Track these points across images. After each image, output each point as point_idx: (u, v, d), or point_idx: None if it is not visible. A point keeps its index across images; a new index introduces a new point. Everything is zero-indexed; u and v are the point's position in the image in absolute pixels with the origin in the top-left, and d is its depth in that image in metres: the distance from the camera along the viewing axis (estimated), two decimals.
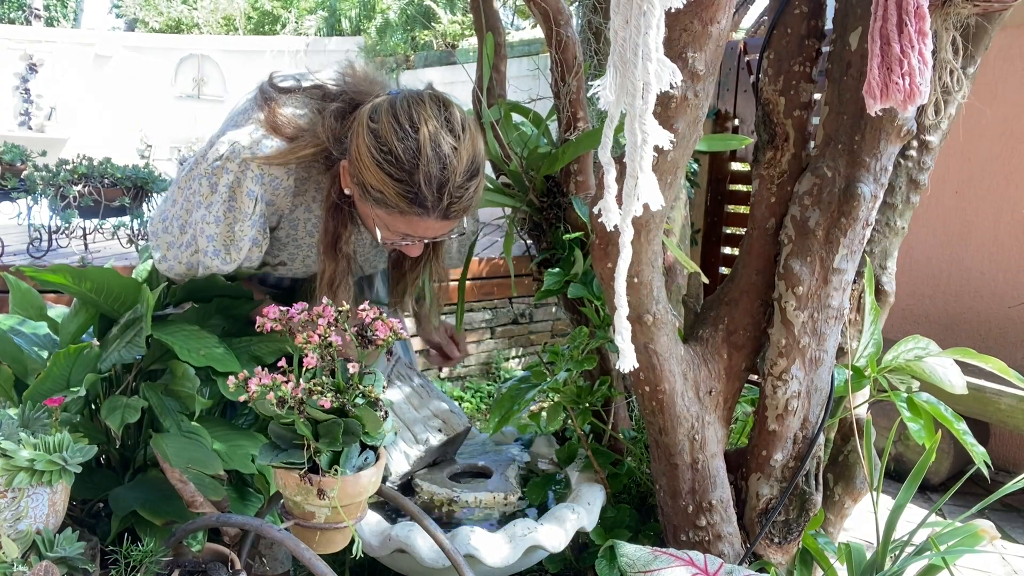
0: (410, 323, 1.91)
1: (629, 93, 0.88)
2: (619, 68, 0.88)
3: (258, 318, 1.07)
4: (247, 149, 1.32)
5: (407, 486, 1.62)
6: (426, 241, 1.38)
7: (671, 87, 0.87)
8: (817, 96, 1.40)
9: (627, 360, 1.05)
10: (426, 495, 1.55)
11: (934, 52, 1.27)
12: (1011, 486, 1.41)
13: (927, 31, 1.07)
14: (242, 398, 1.00)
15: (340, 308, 1.06)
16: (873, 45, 1.09)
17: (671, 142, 0.91)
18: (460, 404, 3.51)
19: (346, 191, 1.34)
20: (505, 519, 1.53)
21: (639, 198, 0.92)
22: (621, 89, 0.89)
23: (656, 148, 0.90)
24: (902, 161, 1.47)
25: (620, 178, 0.94)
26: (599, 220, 1.28)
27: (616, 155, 0.99)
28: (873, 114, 1.15)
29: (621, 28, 0.87)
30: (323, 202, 1.40)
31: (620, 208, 0.95)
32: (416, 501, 1.56)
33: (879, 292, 1.56)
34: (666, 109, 1.16)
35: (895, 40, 1.07)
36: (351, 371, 1.06)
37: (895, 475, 2.87)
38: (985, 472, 1.43)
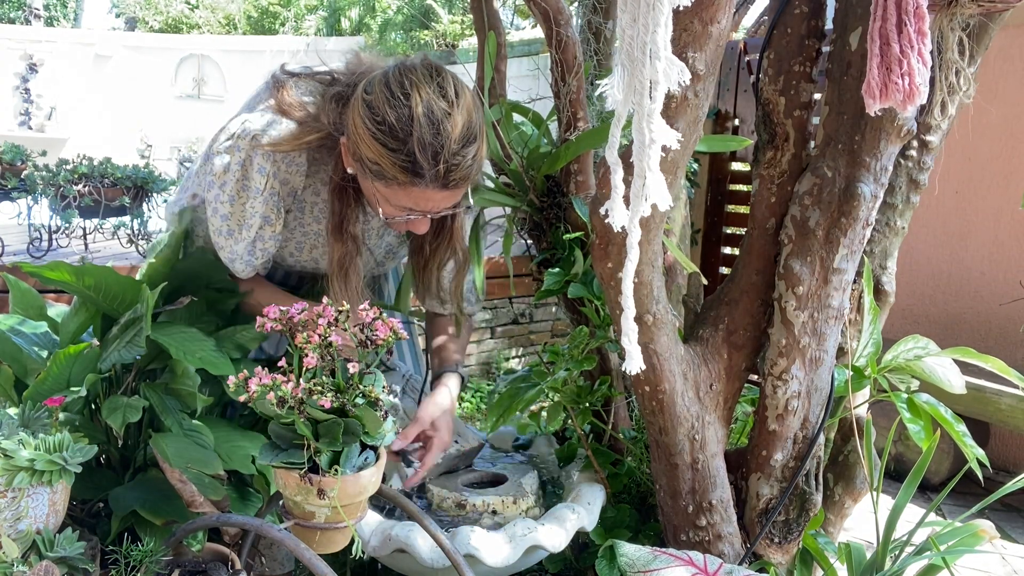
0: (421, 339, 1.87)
1: (637, 92, 0.87)
2: (627, 66, 0.88)
3: (258, 318, 1.07)
4: (258, 128, 1.33)
5: (420, 491, 1.61)
6: (432, 216, 1.36)
7: (677, 85, 0.86)
8: (817, 96, 1.40)
9: (634, 362, 1.04)
10: (436, 499, 1.54)
11: (940, 52, 1.27)
12: (1011, 486, 1.41)
13: (926, 31, 1.07)
14: (242, 398, 1.00)
15: (340, 308, 1.06)
16: (872, 45, 1.09)
17: (678, 141, 0.91)
18: (460, 404, 3.51)
19: (349, 170, 1.33)
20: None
21: (647, 198, 0.91)
22: (628, 88, 0.88)
23: (662, 148, 0.90)
24: (902, 161, 1.47)
25: (626, 178, 0.94)
26: (599, 220, 1.28)
27: (619, 154, 0.98)
28: (873, 114, 1.15)
29: (629, 26, 0.86)
30: (328, 183, 1.40)
31: (627, 208, 0.95)
32: (424, 506, 1.55)
33: (879, 292, 1.56)
34: (666, 109, 1.16)
35: (895, 40, 1.07)
36: (351, 371, 1.06)
37: (895, 475, 2.87)
38: (978, 472, 1.43)
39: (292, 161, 1.37)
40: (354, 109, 1.27)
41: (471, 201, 1.41)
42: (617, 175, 0.94)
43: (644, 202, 0.92)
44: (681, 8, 0.84)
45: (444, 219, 1.46)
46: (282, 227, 1.44)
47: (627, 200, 0.95)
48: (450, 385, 1.57)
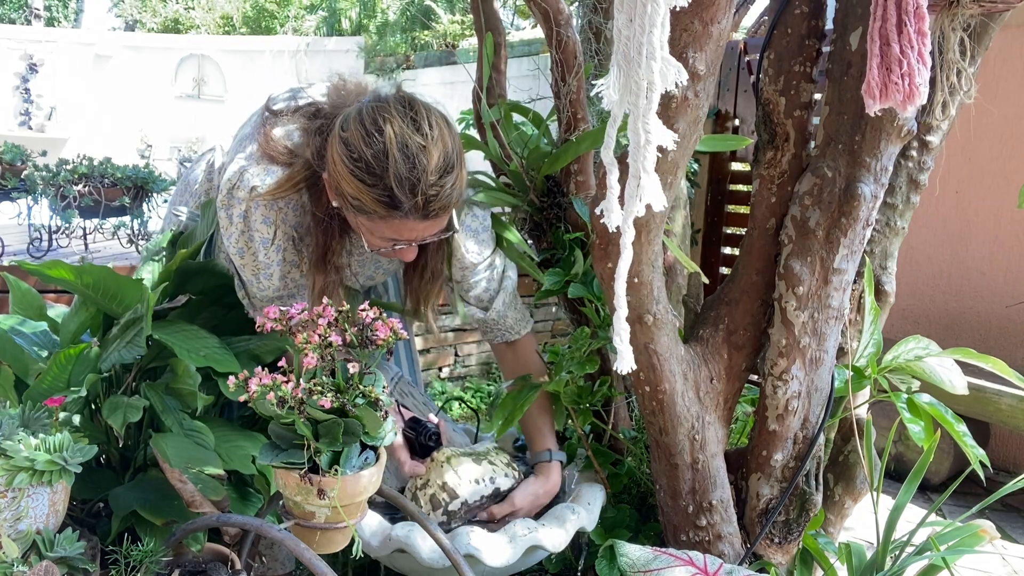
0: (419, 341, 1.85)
1: (633, 92, 0.87)
2: (623, 67, 0.88)
3: (258, 318, 1.07)
4: (253, 179, 1.35)
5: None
6: (417, 244, 1.38)
7: (674, 86, 0.86)
8: (817, 96, 1.40)
9: (625, 361, 1.04)
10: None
11: (941, 53, 1.27)
12: (1011, 486, 1.41)
13: (926, 31, 1.07)
14: (242, 398, 1.00)
15: (340, 308, 1.06)
16: (872, 45, 1.09)
17: (675, 142, 0.91)
18: (460, 404, 3.51)
19: (334, 203, 1.35)
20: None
21: (642, 199, 0.91)
22: (624, 88, 0.88)
23: (659, 148, 0.90)
24: (902, 161, 1.47)
25: (622, 178, 0.94)
26: (599, 220, 1.28)
27: (618, 155, 0.98)
28: (872, 114, 1.15)
29: (625, 26, 0.86)
30: (311, 217, 1.41)
31: (623, 209, 0.95)
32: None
33: (879, 292, 1.56)
34: (666, 109, 1.16)
35: (894, 40, 1.07)
36: (351, 371, 1.06)
37: (895, 475, 2.87)
38: (980, 473, 1.43)
39: (296, 205, 1.39)
40: (332, 146, 1.28)
41: (457, 227, 1.42)
42: (613, 175, 0.94)
43: (639, 203, 0.92)
44: (679, 8, 0.84)
45: (431, 244, 1.46)
46: (307, 266, 1.45)
47: (623, 200, 0.95)
48: (550, 475, 1.55)
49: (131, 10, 12.74)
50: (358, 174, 1.24)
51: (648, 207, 0.92)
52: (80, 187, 3.34)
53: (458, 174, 1.31)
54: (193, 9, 12.05)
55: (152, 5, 12.34)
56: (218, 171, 1.44)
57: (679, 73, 0.85)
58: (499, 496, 1.51)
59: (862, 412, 1.55)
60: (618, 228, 0.96)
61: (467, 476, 1.48)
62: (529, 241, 1.85)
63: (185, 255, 1.37)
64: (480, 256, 1.55)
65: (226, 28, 11.96)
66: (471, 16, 1.86)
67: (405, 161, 1.23)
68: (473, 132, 1.82)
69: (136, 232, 3.56)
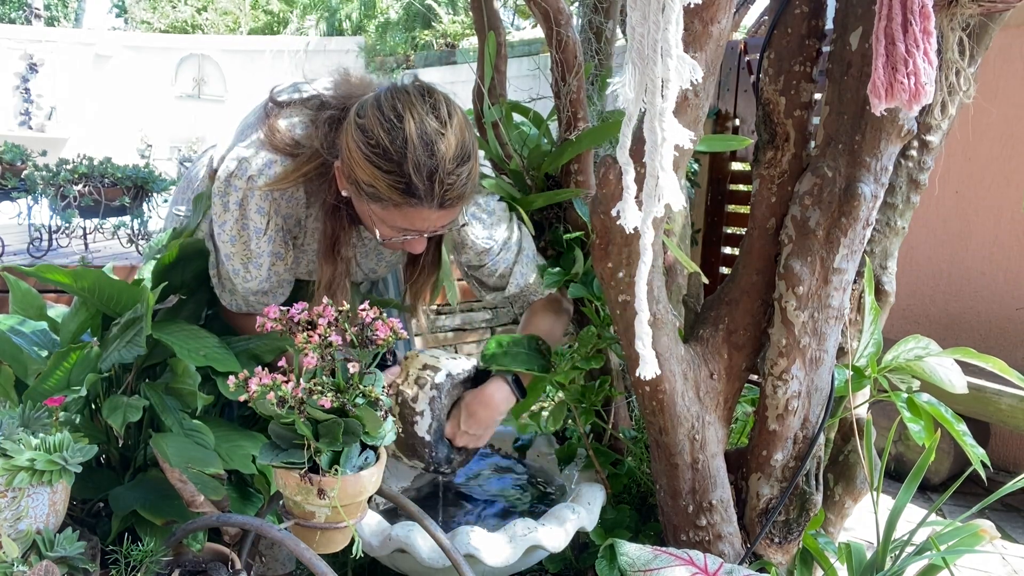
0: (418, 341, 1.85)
1: (649, 90, 0.87)
2: (637, 65, 0.87)
3: (259, 317, 1.07)
4: (253, 167, 1.34)
5: None
6: (427, 235, 1.37)
7: (689, 84, 0.86)
8: (817, 96, 1.40)
9: (648, 367, 1.03)
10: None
11: (939, 52, 1.27)
12: (1011, 486, 1.41)
13: (932, 30, 1.07)
14: (242, 398, 1.00)
15: (340, 308, 1.06)
16: (878, 45, 1.09)
17: (691, 140, 0.90)
18: None
19: (343, 192, 1.34)
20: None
21: (660, 198, 0.91)
22: (640, 86, 0.87)
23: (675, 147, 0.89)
24: (903, 161, 1.47)
25: (638, 178, 0.93)
26: (600, 220, 1.28)
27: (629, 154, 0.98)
28: (878, 114, 1.14)
29: (639, 24, 0.86)
30: (320, 207, 1.41)
31: (639, 209, 0.94)
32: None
33: (879, 292, 1.56)
34: None
35: (900, 40, 1.07)
36: (351, 371, 1.06)
37: (895, 475, 2.87)
38: (981, 473, 1.43)
39: (291, 197, 1.39)
40: (347, 133, 1.27)
41: (466, 218, 1.41)
42: (629, 175, 0.94)
43: (658, 202, 0.91)
44: (692, 5, 0.83)
45: (438, 236, 1.46)
46: (293, 259, 1.46)
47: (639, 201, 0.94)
48: (486, 387, 1.52)
49: (140, 12, 12.76)
50: (375, 160, 1.23)
51: (667, 207, 0.91)
52: (80, 187, 3.34)
53: (473, 164, 1.30)
54: (205, 11, 12.08)
55: (163, 8, 12.36)
56: (218, 161, 1.44)
57: (694, 70, 0.85)
58: (480, 376, 1.53)
59: (862, 412, 1.55)
60: (622, 228, 0.96)
61: (442, 355, 1.51)
62: None
63: (177, 246, 1.37)
64: (492, 240, 1.56)
65: (235, 31, 11.99)
66: (472, 16, 1.86)
67: (424, 147, 1.23)
68: None
69: (136, 232, 3.56)
